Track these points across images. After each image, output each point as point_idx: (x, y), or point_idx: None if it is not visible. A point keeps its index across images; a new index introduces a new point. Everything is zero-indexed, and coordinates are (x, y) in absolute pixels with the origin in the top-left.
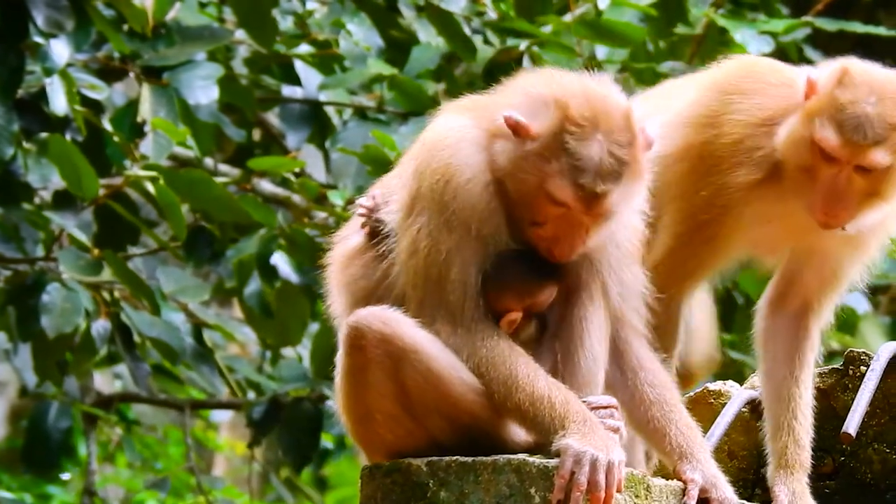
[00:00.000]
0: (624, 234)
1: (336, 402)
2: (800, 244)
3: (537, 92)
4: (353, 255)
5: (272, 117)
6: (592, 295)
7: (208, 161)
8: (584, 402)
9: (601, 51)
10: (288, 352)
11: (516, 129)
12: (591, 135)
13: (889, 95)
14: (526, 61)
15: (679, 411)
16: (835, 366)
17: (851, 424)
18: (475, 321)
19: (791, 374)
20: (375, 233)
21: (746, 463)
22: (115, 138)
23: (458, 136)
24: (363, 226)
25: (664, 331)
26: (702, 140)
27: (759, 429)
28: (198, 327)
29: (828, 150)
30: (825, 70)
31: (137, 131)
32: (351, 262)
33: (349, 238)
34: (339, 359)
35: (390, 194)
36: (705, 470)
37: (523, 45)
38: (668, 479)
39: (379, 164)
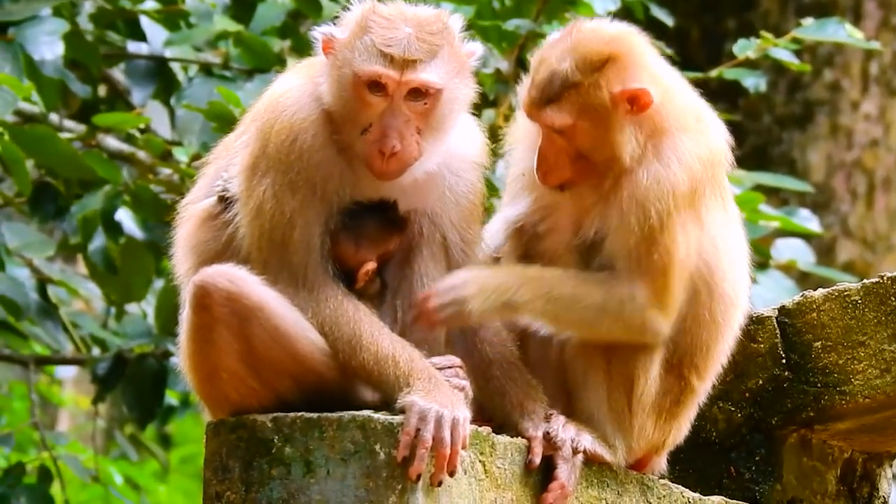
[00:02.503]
0: (463, 191)
1: (181, 360)
2: None
3: (349, 13)
4: (201, 219)
5: (118, 73)
6: (433, 251)
7: (53, 117)
8: (430, 362)
9: (446, 8)
10: (132, 308)
11: (327, 45)
12: (397, 22)
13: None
14: None
15: (519, 369)
16: None
17: None
18: (318, 282)
19: None
20: (224, 197)
21: None
22: None
23: (297, 95)
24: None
25: None
26: None
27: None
28: (42, 283)
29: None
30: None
31: None
32: (200, 226)
33: (198, 201)
34: (185, 318)
35: (233, 157)
36: (551, 431)
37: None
38: (513, 437)
39: (224, 121)
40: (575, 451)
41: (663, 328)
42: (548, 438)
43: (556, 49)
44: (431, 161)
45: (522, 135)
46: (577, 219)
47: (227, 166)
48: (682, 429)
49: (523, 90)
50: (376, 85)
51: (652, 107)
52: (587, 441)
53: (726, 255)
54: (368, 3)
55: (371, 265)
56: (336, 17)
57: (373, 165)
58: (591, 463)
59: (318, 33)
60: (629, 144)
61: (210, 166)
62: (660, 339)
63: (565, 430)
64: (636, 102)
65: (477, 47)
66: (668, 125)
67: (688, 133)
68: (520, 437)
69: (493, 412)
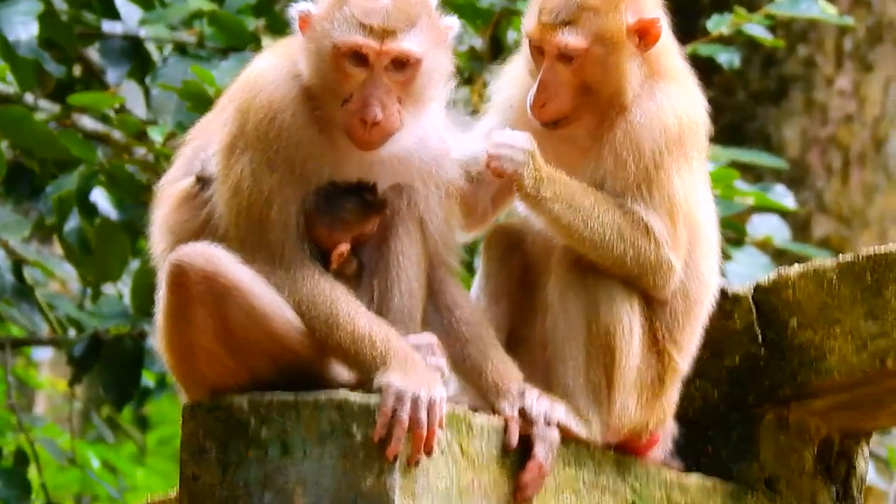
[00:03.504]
0: (441, 172)
1: (157, 340)
2: None
3: None
4: (179, 199)
5: (92, 53)
6: (410, 231)
7: (28, 97)
8: (407, 341)
9: None
10: (108, 289)
11: (303, 21)
12: None
13: None
14: None
15: (495, 348)
16: None
17: None
18: (295, 261)
19: None
20: (202, 177)
21: None
22: None
23: (275, 74)
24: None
25: None
26: None
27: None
28: (18, 264)
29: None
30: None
31: None
32: (177, 206)
33: (175, 181)
34: (161, 297)
35: (211, 136)
36: (526, 406)
37: None
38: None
39: (199, 101)
40: (548, 423)
41: (677, 267)
42: (522, 414)
43: None
44: (412, 133)
45: (513, 68)
46: (568, 162)
47: (204, 146)
48: (666, 409)
49: (530, 16)
50: (356, 55)
51: (656, 46)
52: (560, 413)
53: (702, 233)
54: None
55: (345, 247)
56: None
57: (354, 135)
58: (569, 441)
59: (294, 10)
60: (634, 80)
61: (187, 146)
62: (672, 280)
63: (539, 404)
64: (647, 35)
65: (454, 21)
66: (663, 71)
67: (678, 83)
68: (497, 417)
69: (467, 391)
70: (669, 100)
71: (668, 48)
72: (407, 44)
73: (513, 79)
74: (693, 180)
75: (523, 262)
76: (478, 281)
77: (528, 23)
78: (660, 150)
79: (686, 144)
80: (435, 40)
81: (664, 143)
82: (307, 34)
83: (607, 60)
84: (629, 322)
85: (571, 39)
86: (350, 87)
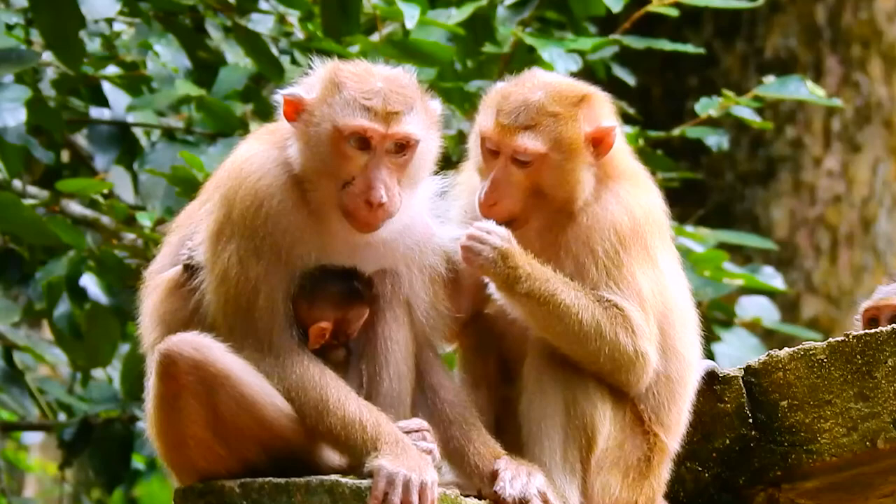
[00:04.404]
0: (426, 255)
1: (148, 429)
2: None
3: (313, 74)
4: (168, 288)
5: (80, 139)
6: (397, 314)
7: (16, 183)
8: (397, 425)
9: (409, 68)
10: (98, 373)
11: (295, 106)
12: (368, 77)
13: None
14: None
15: (477, 429)
16: None
17: None
18: (284, 347)
19: None
20: (189, 266)
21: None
22: None
23: (261, 161)
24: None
25: None
26: None
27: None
28: (8, 349)
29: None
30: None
31: None
32: (166, 296)
33: (163, 270)
34: (151, 386)
35: (197, 224)
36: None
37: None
38: (480, 500)
39: (187, 185)
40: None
41: (652, 360)
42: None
43: (522, 85)
44: (400, 218)
45: (466, 177)
46: None
47: (191, 234)
48: (655, 489)
49: (486, 115)
50: (359, 138)
51: (608, 154)
52: (540, 482)
53: (678, 315)
54: (331, 63)
55: (325, 324)
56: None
57: (358, 216)
58: None
59: (281, 96)
60: (587, 187)
61: (174, 235)
62: (646, 375)
63: (519, 480)
64: (601, 143)
65: (438, 104)
66: (616, 173)
67: (629, 181)
68: (485, 501)
69: (454, 472)
70: (618, 199)
71: (621, 150)
72: (409, 127)
73: (467, 188)
74: (658, 271)
75: (499, 349)
76: (456, 372)
77: (485, 122)
78: (614, 248)
79: (644, 236)
80: (428, 123)
81: (617, 241)
82: (302, 118)
83: (563, 166)
84: (607, 405)
85: (530, 143)
86: (351, 170)
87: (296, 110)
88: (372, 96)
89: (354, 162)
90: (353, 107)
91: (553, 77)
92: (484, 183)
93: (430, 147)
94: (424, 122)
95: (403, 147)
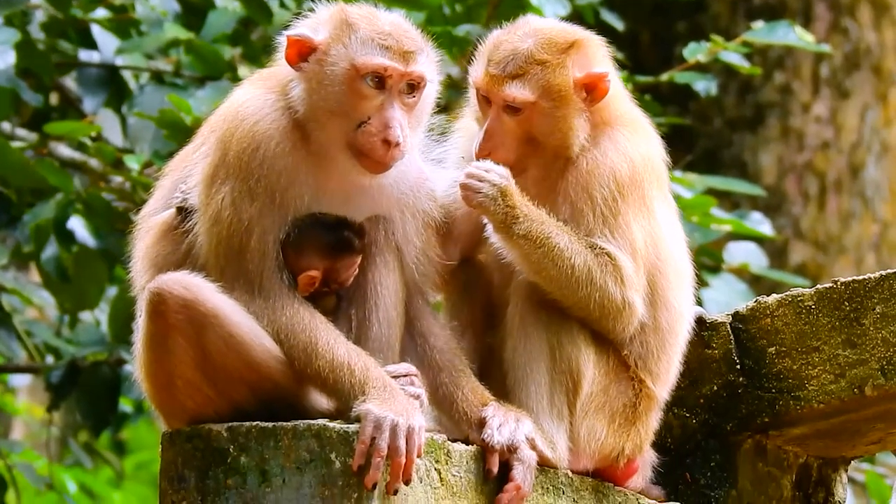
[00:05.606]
0: (422, 203)
1: (136, 370)
2: None
3: (315, 15)
4: (160, 231)
5: (69, 81)
6: (387, 261)
7: (5, 125)
8: (385, 370)
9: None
10: (86, 316)
11: (301, 48)
12: (377, 18)
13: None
14: None
15: (466, 376)
16: None
17: None
18: (274, 289)
19: None
20: (182, 209)
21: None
22: None
23: (258, 104)
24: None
25: None
26: None
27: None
28: None
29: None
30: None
31: None
32: (159, 238)
33: (156, 213)
34: (140, 326)
35: (191, 168)
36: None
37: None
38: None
39: (175, 129)
40: (520, 444)
41: (638, 310)
42: (494, 444)
43: (513, 33)
44: (408, 157)
45: (465, 123)
46: None
47: (184, 178)
48: (643, 436)
49: (478, 65)
50: (376, 78)
51: (604, 99)
52: (528, 429)
53: (671, 266)
54: (336, 5)
55: (314, 273)
56: (287, 25)
57: (374, 156)
58: (546, 468)
59: (286, 37)
60: (581, 133)
61: (167, 178)
62: (631, 324)
63: (508, 426)
64: (594, 90)
65: (435, 50)
66: (613, 119)
67: (628, 128)
68: (473, 445)
69: (442, 418)
70: (617, 145)
71: (618, 95)
72: (423, 67)
73: (466, 134)
74: (655, 221)
75: (487, 296)
76: (442, 317)
77: (476, 72)
78: (612, 195)
79: (642, 185)
80: (432, 66)
81: (616, 189)
82: (312, 59)
83: (554, 114)
84: (590, 349)
85: (518, 92)
86: (366, 109)
87: (301, 52)
88: (387, 36)
89: (370, 101)
90: (371, 46)
91: (545, 24)
92: (479, 131)
93: (432, 90)
94: (431, 64)
95: (414, 88)
